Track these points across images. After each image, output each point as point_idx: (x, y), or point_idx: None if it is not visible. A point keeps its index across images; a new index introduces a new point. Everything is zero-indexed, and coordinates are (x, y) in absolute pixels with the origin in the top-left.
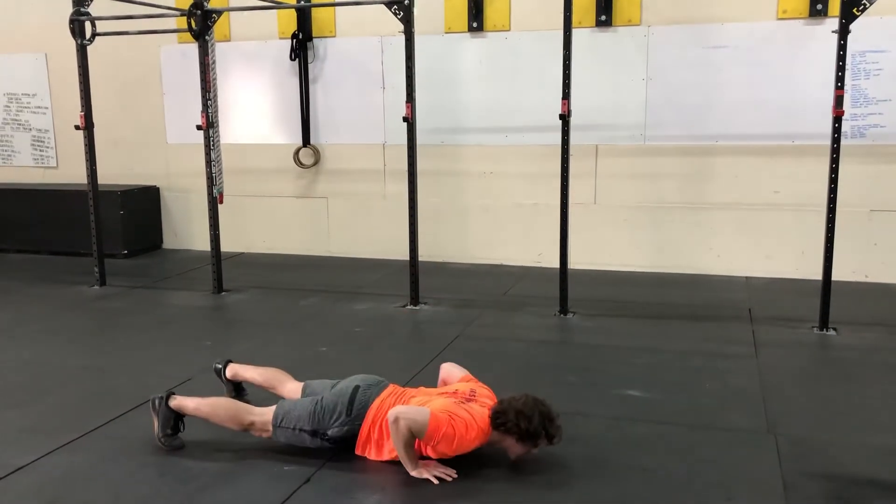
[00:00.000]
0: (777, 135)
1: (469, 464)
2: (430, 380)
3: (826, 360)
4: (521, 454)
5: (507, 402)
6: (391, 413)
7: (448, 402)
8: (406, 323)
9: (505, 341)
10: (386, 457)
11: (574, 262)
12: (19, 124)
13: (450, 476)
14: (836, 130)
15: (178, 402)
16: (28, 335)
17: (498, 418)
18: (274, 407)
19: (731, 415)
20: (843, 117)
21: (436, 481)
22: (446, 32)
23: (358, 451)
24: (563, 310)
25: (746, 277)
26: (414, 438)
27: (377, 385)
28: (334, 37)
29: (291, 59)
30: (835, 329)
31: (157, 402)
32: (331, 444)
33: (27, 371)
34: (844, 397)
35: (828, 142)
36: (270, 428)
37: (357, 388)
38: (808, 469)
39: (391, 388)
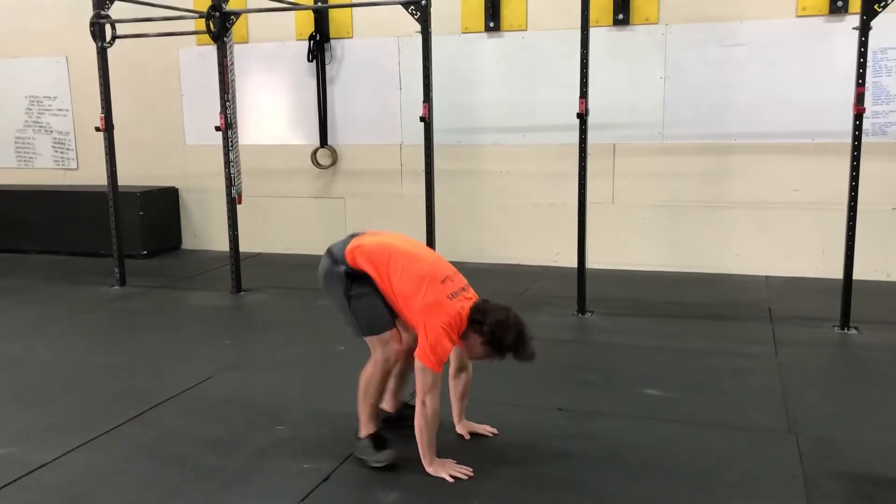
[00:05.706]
0: (797, 133)
1: (485, 462)
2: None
3: (847, 359)
4: (479, 357)
5: (491, 307)
6: (419, 395)
7: (441, 308)
8: None
9: None
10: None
11: (592, 262)
12: (40, 126)
13: (466, 475)
14: (857, 128)
15: (362, 429)
16: (50, 335)
17: (476, 316)
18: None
19: (751, 414)
20: (864, 115)
21: (451, 480)
22: (463, 32)
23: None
24: (582, 309)
25: (766, 276)
26: (437, 427)
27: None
28: (351, 38)
29: (309, 60)
30: (856, 328)
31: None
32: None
33: (49, 370)
34: (866, 397)
35: (848, 139)
36: (374, 340)
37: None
38: (829, 468)
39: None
